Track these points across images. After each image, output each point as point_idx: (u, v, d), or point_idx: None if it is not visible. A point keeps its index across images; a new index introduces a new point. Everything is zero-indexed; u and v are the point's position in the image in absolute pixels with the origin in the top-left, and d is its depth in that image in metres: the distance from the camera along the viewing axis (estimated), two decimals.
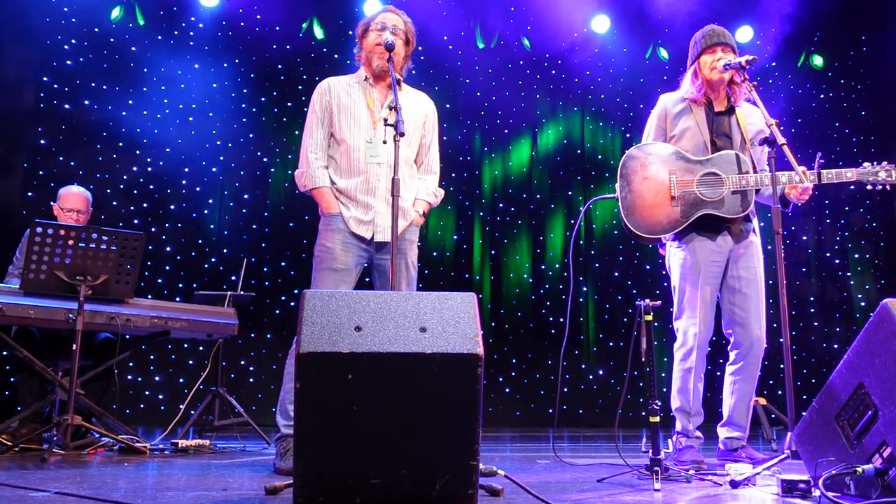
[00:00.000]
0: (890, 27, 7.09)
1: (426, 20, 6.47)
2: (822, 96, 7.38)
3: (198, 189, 6.44)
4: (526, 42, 7.23)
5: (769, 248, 3.26)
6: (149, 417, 5.88)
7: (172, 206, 6.34)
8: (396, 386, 1.87)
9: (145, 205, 6.26)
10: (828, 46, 7.41)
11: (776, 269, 2.83)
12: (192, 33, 6.60)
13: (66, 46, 6.12)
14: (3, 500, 2.06)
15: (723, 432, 3.26)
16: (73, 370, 3.43)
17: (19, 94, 5.99)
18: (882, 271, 7.11)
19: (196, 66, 6.50)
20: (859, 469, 2.03)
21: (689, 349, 3.16)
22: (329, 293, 1.96)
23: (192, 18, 6.60)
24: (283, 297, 6.44)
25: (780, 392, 6.25)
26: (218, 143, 6.51)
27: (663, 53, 7.34)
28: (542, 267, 7.10)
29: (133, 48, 6.37)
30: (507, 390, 6.77)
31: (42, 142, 5.99)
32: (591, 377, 6.92)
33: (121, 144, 6.21)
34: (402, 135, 2.66)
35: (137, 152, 6.25)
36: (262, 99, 6.71)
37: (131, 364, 5.94)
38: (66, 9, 6.14)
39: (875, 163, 3.07)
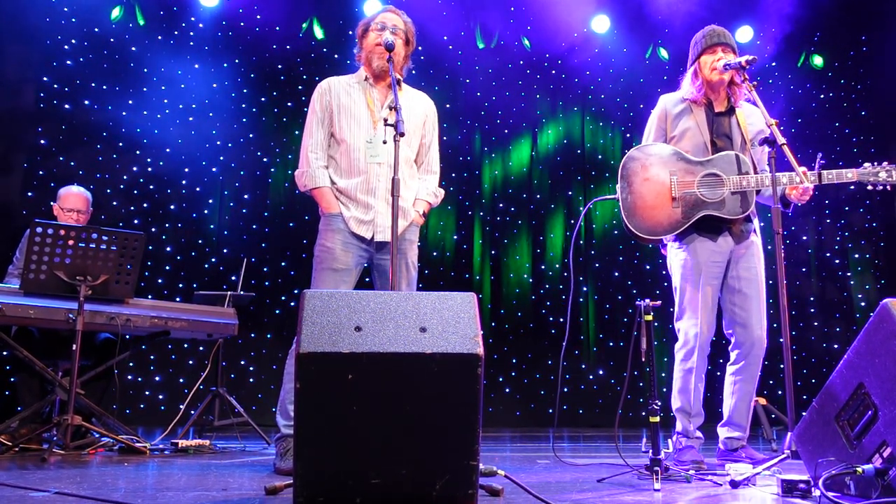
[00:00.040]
0: (890, 27, 7.09)
1: (426, 20, 6.47)
2: (822, 96, 7.38)
3: (198, 189, 6.44)
4: (526, 42, 7.23)
5: (769, 248, 3.26)
6: (149, 417, 5.88)
7: (172, 206, 6.34)
8: (396, 386, 1.87)
9: (145, 205, 6.26)
10: (828, 46, 7.41)
11: (776, 269, 2.83)
12: (192, 33, 6.60)
13: (66, 46, 6.12)
14: (3, 500, 2.06)
15: (723, 432, 3.26)
16: (73, 370, 3.43)
17: (19, 94, 5.99)
18: (882, 271, 7.11)
19: (196, 66, 6.50)
20: (859, 469, 2.03)
21: (690, 349, 3.16)
22: (329, 293, 1.96)
23: (192, 18, 6.60)
24: (283, 297, 6.44)
25: (780, 392, 6.25)
26: (218, 143, 6.51)
27: (663, 53, 7.34)
28: (542, 267, 7.10)
29: (133, 48, 6.37)
30: (507, 390, 6.77)
31: (42, 142, 5.99)
32: (591, 377, 6.92)
33: (121, 144, 6.22)
34: (402, 135, 2.66)
35: (137, 152, 6.25)
36: (262, 99, 6.71)
37: (131, 364, 5.94)
38: (66, 9, 6.14)
39: (875, 163, 3.07)
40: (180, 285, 6.20)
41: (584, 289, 7.08)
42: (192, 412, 4.62)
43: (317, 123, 3.12)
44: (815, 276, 7.23)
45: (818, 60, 7.39)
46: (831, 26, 7.34)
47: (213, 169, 6.50)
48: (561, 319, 6.94)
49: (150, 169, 6.27)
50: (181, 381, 6.07)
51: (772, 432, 4.77)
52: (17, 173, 5.86)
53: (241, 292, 4.86)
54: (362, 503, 1.85)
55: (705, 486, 2.55)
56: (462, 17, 7.11)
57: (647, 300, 2.57)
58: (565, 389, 6.75)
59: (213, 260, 6.37)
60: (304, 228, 6.40)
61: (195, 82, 6.47)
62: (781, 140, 2.83)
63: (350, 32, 6.64)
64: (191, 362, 6.15)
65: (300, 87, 6.71)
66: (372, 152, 3.05)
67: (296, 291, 6.36)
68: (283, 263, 6.51)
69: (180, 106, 6.41)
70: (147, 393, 6.02)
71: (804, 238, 7.26)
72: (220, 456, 3.63)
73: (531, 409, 6.78)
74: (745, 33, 7.17)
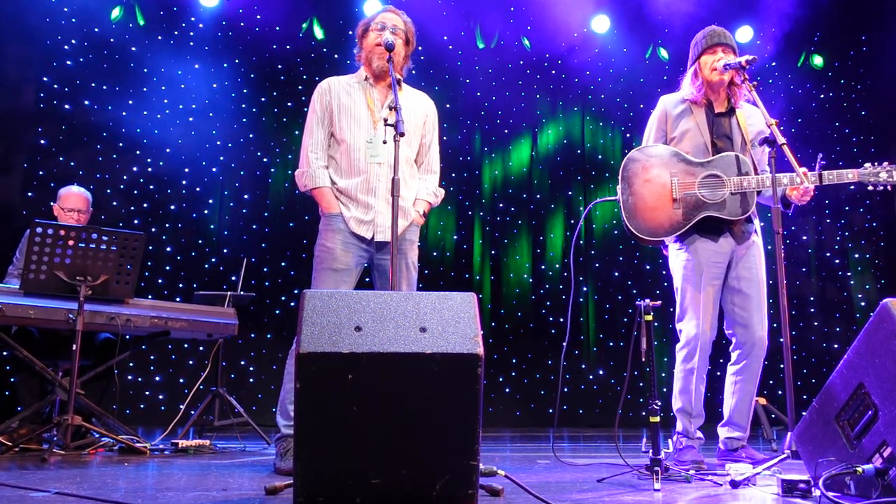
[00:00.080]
0: (890, 27, 7.09)
1: (426, 20, 6.47)
2: (822, 96, 7.38)
3: (198, 189, 6.44)
4: (526, 42, 7.23)
5: (769, 247, 3.26)
6: (149, 417, 5.88)
7: (172, 207, 6.34)
8: (396, 386, 1.87)
9: (145, 205, 6.26)
10: (828, 46, 7.41)
11: (776, 268, 2.83)
12: (192, 33, 6.60)
13: (66, 46, 6.12)
14: (3, 500, 2.06)
15: (723, 432, 3.26)
16: (73, 370, 3.43)
17: (19, 94, 5.99)
18: (882, 271, 7.11)
19: (196, 66, 6.50)
20: (859, 469, 2.03)
21: (691, 350, 3.16)
22: (329, 293, 1.96)
23: (192, 19, 6.60)
24: (283, 297, 6.44)
25: (780, 392, 6.25)
26: (218, 143, 6.51)
27: (663, 53, 7.34)
28: (542, 267, 7.10)
29: (133, 48, 6.37)
30: (507, 390, 6.77)
31: (42, 142, 5.99)
32: (591, 377, 6.92)
33: (121, 145, 6.22)
34: (402, 135, 2.66)
35: (137, 152, 6.25)
36: (262, 99, 6.71)
37: (131, 364, 5.94)
38: (66, 9, 6.14)
39: (876, 163, 3.07)
40: (180, 285, 6.20)
41: (584, 289, 7.08)
42: (192, 412, 4.62)
43: (317, 123, 3.12)
44: (815, 276, 7.23)
45: (818, 60, 7.39)
46: (831, 26, 7.34)
47: (213, 169, 6.50)
48: (561, 319, 6.94)
49: (150, 169, 6.27)
50: (181, 381, 6.07)
51: (772, 432, 4.77)
52: (17, 173, 5.86)
53: (241, 292, 4.86)
54: (362, 503, 1.85)
55: (705, 486, 2.55)
56: (462, 17, 7.11)
57: (647, 300, 2.57)
58: (565, 389, 6.75)
59: (213, 260, 6.37)
60: (304, 228, 6.40)
61: (195, 82, 6.47)
62: (781, 140, 2.83)
63: (350, 32, 6.64)
64: (191, 362, 6.15)
65: (300, 87, 6.71)
66: (372, 152, 3.05)
67: (296, 291, 6.36)
68: (283, 263, 6.51)
69: (180, 106, 6.41)
70: (147, 393, 6.02)
71: (804, 238, 7.26)
72: (220, 456, 3.63)
73: (531, 409, 6.78)
74: (745, 33, 7.17)
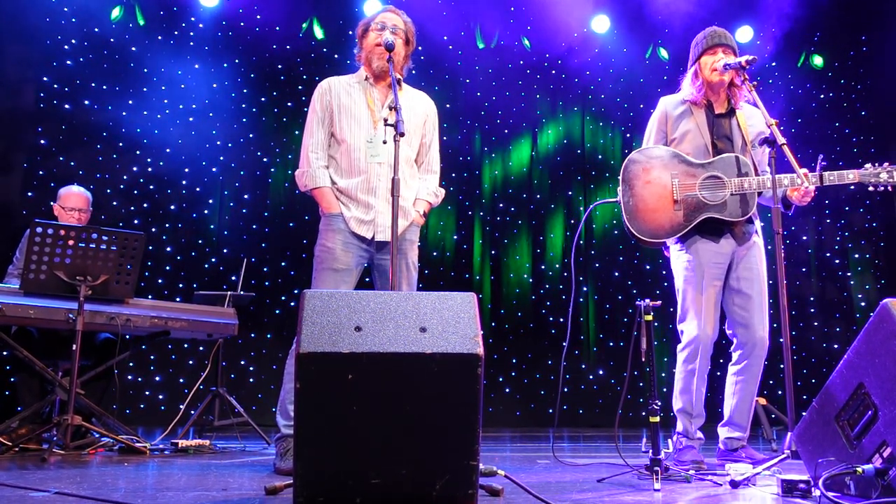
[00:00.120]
0: (890, 27, 7.09)
1: (426, 20, 6.47)
2: (822, 96, 7.38)
3: (198, 189, 6.44)
4: (526, 42, 7.23)
5: (769, 248, 3.27)
6: (149, 417, 5.88)
7: (172, 207, 6.34)
8: (396, 386, 1.87)
9: (145, 205, 6.26)
10: (828, 46, 7.41)
11: (776, 268, 2.83)
12: (192, 33, 6.60)
13: (66, 46, 6.12)
14: (3, 500, 2.06)
15: (723, 432, 3.26)
16: (73, 370, 3.43)
17: (19, 94, 5.99)
18: (882, 271, 7.11)
19: (196, 66, 6.50)
20: (859, 469, 2.03)
21: (692, 351, 3.16)
22: (329, 293, 1.96)
23: (192, 19, 6.60)
24: (283, 297, 6.44)
25: (780, 392, 6.25)
26: (218, 143, 6.52)
27: (663, 53, 7.34)
28: (542, 267, 7.10)
29: (133, 48, 6.38)
30: (507, 390, 6.77)
31: (42, 142, 5.99)
32: (591, 377, 6.93)
33: (121, 144, 6.22)
34: (402, 135, 2.66)
35: (137, 152, 6.25)
36: (262, 99, 6.71)
37: (131, 364, 5.94)
38: (66, 9, 6.14)
39: (876, 164, 3.07)
40: (180, 285, 6.20)
41: (585, 289, 7.08)
42: (192, 412, 4.62)
43: (317, 123, 3.12)
44: (815, 276, 7.23)
45: (818, 60, 7.39)
46: (831, 26, 7.34)
47: (213, 169, 6.50)
48: (561, 320, 6.94)
49: (150, 169, 6.27)
50: (181, 381, 6.07)
51: (772, 432, 4.77)
52: (17, 173, 5.87)
53: (241, 292, 4.86)
54: (362, 503, 1.85)
55: (705, 486, 2.55)
56: (462, 17, 7.11)
57: (647, 300, 2.57)
58: (565, 389, 6.75)
59: (213, 260, 6.37)
60: (304, 228, 6.41)
61: (195, 82, 6.47)
62: (781, 140, 2.83)
63: (350, 32, 6.64)
64: (191, 362, 6.15)
65: (300, 87, 6.71)
66: (372, 152, 3.05)
67: (296, 291, 6.36)
68: (283, 263, 6.51)
69: (180, 106, 6.41)
70: (147, 393, 6.02)
71: (804, 238, 7.26)
72: (220, 456, 3.63)
73: (531, 409, 6.78)
74: (745, 33, 7.17)
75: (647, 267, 7.18)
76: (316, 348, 1.84)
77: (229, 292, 4.71)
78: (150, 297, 4.99)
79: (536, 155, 7.25)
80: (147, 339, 4.19)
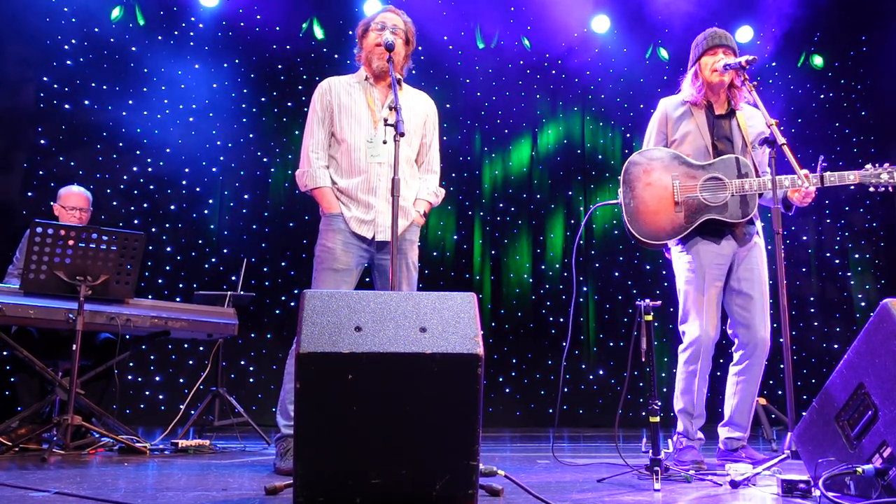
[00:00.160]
0: (890, 27, 7.09)
1: (426, 20, 6.47)
2: (822, 96, 7.38)
3: (198, 189, 6.44)
4: (526, 42, 7.23)
5: (769, 248, 3.27)
6: (149, 417, 5.88)
7: (172, 207, 6.34)
8: (396, 386, 1.87)
9: (145, 205, 6.26)
10: (828, 46, 7.40)
11: (776, 268, 2.83)
12: (192, 33, 6.60)
13: (66, 46, 6.12)
14: (3, 500, 2.06)
15: (723, 432, 3.26)
16: (73, 370, 3.43)
17: (19, 94, 5.99)
18: (882, 271, 7.11)
19: (196, 66, 6.50)
20: (859, 469, 2.03)
21: (694, 352, 3.16)
22: (329, 293, 1.96)
23: (192, 19, 6.60)
24: (283, 297, 6.44)
25: (780, 392, 6.25)
26: (218, 143, 6.52)
27: (663, 53, 7.34)
28: (542, 267, 7.10)
29: (133, 48, 6.38)
30: (507, 390, 6.77)
31: (42, 142, 5.99)
32: (591, 377, 6.92)
33: (121, 145, 6.22)
34: (402, 135, 2.66)
35: (138, 152, 6.25)
36: (262, 99, 6.71)
37: (131, 364, 5.94)
38: (66, 9, 6.14)
39: (877, 165, 3.07)
40: (180, 285, 6.20)
41: (585, 289, 7.08)
42: (192, 412, 4.62)
43: (317, 123, 3.12)
44: (815, 276, 7.23)
45: (818, 60, 7.39)
46: (831, 26, 7.34)
47: (214, 169, 6.50)
48: (561, 320, 6.94)
49: (150, 169, 6.27)
50: (181, 381, 6.07)
51: (772, 432, 4.77)
52: (17, 173, 5.87)
53: (241, 292, 4.86)
54: (362, 503, 1.85)
55: (705, 486, 2.55)
56: (462, 18, 7.11)
57: (647, 300, 2.57)
58: (566, 390, 6.75)
59: (213, 260, 6.37)
60: (304, 228, 6.41)
61: (195, 82, 6.47)
62: (781, 140, 2.83)
63: (350, 32, 6.64)
64: (191, 362, 6.15)
65: (300, 87, 6.71)
66: (372, 152, 3.05)
67: (296, 291, 6.36)
68: (283, 263, 6.51)
69: (180, 106, 6.41)
70: (147, 393, 6.02)
71: (804, 238, 7.26)
72: (220, 456, 3.63)
73: (531, 409, 6.78)
74: (745, 33, 7.17)
75: (647, 267, 7.18)
76: (316, 348, 1.84)
77: (229, 292, 4.71)
78: (150, 297, 4.99)
79: (536, 155, 7.25)
80: (147, 339, 4.19)
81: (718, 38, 3.28)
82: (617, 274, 7.15)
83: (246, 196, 6.59)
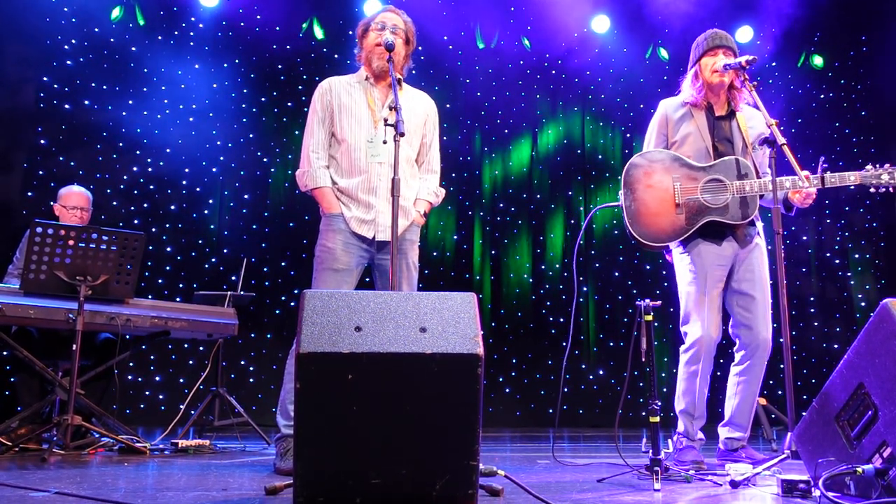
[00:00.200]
0: (890, 27, 7.09)
1: (426, 20, 6.47)
2: (822, 96, 7.38)
3: (198, 189, 6.44)
4: (526, 42, 7.23)
5: (769, 248, 3.27)
6: (149, 417, 5.88)
7: (172, 207, 6.34)
8: (396, 386, 1.87)
9: (145, 205, 6.26)
10: (828, 46, 7.40)
11: (776, 268, 2.83)
12: (192, 33, 6.60)
13: (66, 46, 6.12)
14: (3, 500, 2.06)
15: (724, 432, 3.27)
16: (73, 370, 3.43)
17: (19, 94, 5.99)
18: (882, 271, 7.11)
19: (196, 66, 6.50)
20: (859, 469, 2.03)
21: (696, 353, 3.16)
22: (329, 293, 1.96)
23: (193, 19, 6.60)
24: (283, 297, 6.44)
25: (780, 392, 6.25)
26: (218, 143, 6.52)
27: (663, 54, 7.34)
28: (542, 267, 7.10)
29: (133, 48, 6.37)
30: (507, 390, 6.77)
31: (42, 142, 5.99)
32: (591, 377, 6.92)
33: (121, 145, 6.22)
34: (402, 135, 2.65)
35: (138, 152, 6.25)
36: (263, 99, 6.71)
37: (131, 364, 5.94)
38: (66, 9, 6.14)
39: (878, 165, 3.07)
40: (180, 285, 6.20)
41: (585, 289, 7.08)
42: (192, 412, 4.62)
43: (318, 123, 3.12)
44: (815, 276, 7.23)
45: (818, 60, 7.39)
46: (831, 26, 7.34)
47: (214, 169, 6.50)
48: (561, 320, 6.94)
49: (150, 169, 6.27)
50: (181, 381, 6.07)
51: (772, 432, 4.77)
52: (17, 173, 5.87)
53: (241, 292, 4.86)
54: (362, 503, 1.85)
55: (705, 486, 2.55)
56: (462, 18, 7.11)
57: (647, 300, 2.57)
58: (566, 390, 6.75)
59: (213, 260, 6.37)
60: (304, 228, 6.41)
61: (195, 82, 6.47)
62: (781, 140, 2.83)
63: (350, 32, 6.64)
64: (191, 362, 6.15)
65: (300, 87, 6.71)
66: (373, 151, 3.05)
67: (296, 291, 6.36)
68: (283, 263, 6.51)
69: (180, 106, 6.41)
70: (147, 393, 6.02)
71: (804, 238, 7.26)
72: (220, 456, 3.63)
73: (531, 409, 6.78)
74: (745, 33, 7.17)
75: (647, 267, 7.18)
76: (316, 348, 1.84)
77: (229, 292, 4.71)
78: (150, 297, 4.99)
79: (536, 155, 7.25)
80: (147, 339, 4.19)
81: (719, 39, 3.28)
82: (617, 274, 7.15)
83: (246, 196, 6.59)
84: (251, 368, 6.29)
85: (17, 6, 5.88)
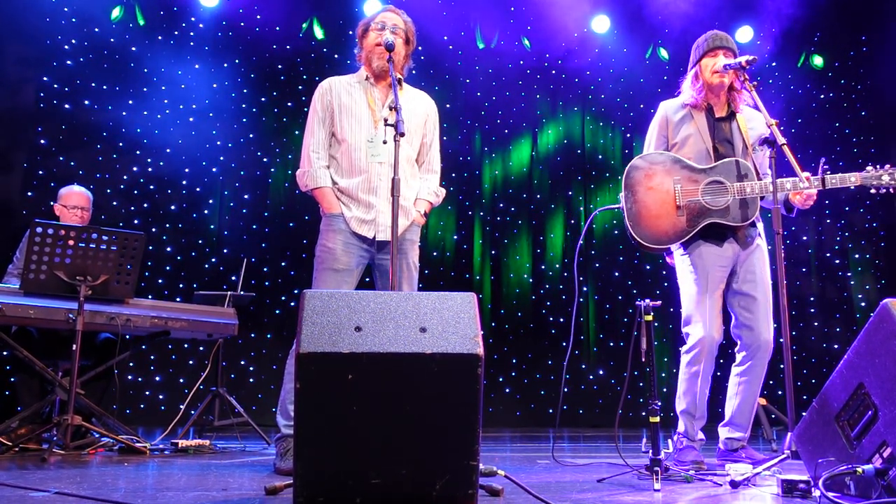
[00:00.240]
0: (890, 27, 7.09)
1: (426, 20, 6.46)
2: (822, 96, 7.38)
3: (198, 189, 6.44)
4: (526, 42, 7.24)
5: (769, 248, 3.27)
6: (149, 417, 5.88)
7: (172, 207, 6.34)
8: (396, 386, 1.87)
9: (145, 205, 6.26)
10: (828, 46, 7.40)
11: (776, 269, 2.83)
12: (192, 33, 6.60)
13: (66, 46, 6.12)
14: (3, 500, 2.06)
15: (724, 432, 3.27)
16: (73, 370, 3.43)
17: (19, 93, 5.99)
18: (882, 271, 7.11)
19: (196, 66, 6.50)
20: (859, 469, 2.03)
21: (697, 354, 3.16)
22: (329, 293, 1.96)
23: (193, 19, 6.60)
24: (283, 297, 6.44)
25: (780, 392, 6.25)
26: (218, 143, 6.52)
27: (663, 54, 7.34)
28: (542, 267, 7.10)
29: (133, 48, 6.37)
30: (507, 390, 6.77)
31: (42, 141, 5.99)
32: (591, 377, 6.92)
33: (121, 145, 6.22)
34: (402, 135, 2.65)
35: (138, 152, 6.25)
36: (263, 99, 6.71)
37: (131, 364, 5.94)
38: (66, 9, 6.14)
39: (878, 166, 3.07)
40: (180, 285, 6.20)
41: (585, 289, 7.08)
42: (192, 412, 4.62)
43: (318, 123, 3.12)
44: (815, 276, 7.23)
45: (818, 60, 7.39)
46: (831, 26, 7.34)
47: (214, 169, 6.50)
48: (561, 320, 6.94)
49: (150, 169, 6.27)
50: (181, 381, 6.07)
51: (772, 432, 4.77)
52: (17, 173, 5.87)
53: (241, 292, 4.86)
54: (362, 503, 1.85)
55: (705, 486, 2.55)
56: (462, 18, 7.11)
57: (647, 300, 2.57)
58: (566, 390, 6.74)
59: (213, 260, 6.37)
60: (304, 228, 6.41)
61: (195, 83, 6.47)
62: (781, 140, 2.83)
63: (350, 32, 6.64)
64: (191, 362, 6.15)
65: (300, 87, 6.71)
66: (373, 151, 3.05)
67: (296, 291, 6.36)
68: (283, 263, 6.51)
69: (180, 106, 6.41)
70: (147, 393, 6.02)
71: (804, 238, 7.26)
72: (220, 456, 3.63)
73: (531, 409, 6.78)
74: (745, 33, 7.17)
75: (647, 267, 7.18)
76: (316, 348, 1.84)
77: (229, 292, 4.71)
78: (150, 297, 4.99)
79: (536, 155, 7.25)
80: (147, 339, 4.19)
81: (719, 39, 3.28)
82: (617, 274, 7.15)
83: (246, 196, 6.59)
84: (251, 368, 6.29)
85: (17, 6, 5.88)
